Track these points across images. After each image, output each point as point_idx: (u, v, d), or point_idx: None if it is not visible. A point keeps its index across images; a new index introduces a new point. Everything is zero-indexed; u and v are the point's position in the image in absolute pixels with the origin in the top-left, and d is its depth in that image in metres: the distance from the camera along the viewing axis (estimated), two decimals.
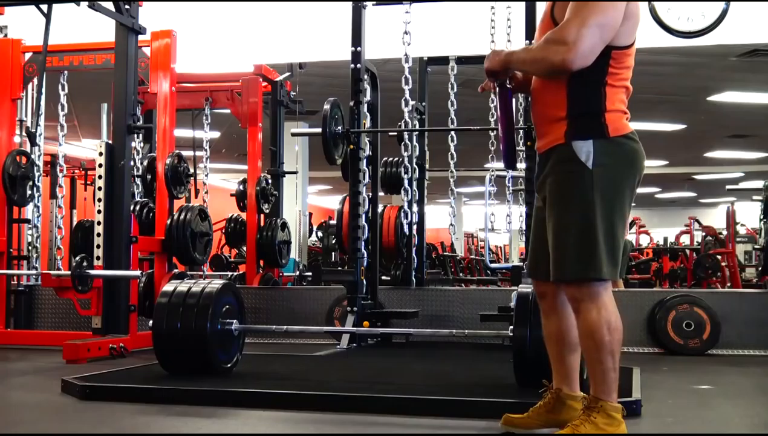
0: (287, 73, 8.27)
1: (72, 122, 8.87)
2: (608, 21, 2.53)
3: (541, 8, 5.60)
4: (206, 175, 7.61)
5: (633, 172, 2.65)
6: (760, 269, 9.82)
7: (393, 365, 4.81)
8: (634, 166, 2.65)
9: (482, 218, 7.33)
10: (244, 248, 8.17)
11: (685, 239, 13.88)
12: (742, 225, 14.70)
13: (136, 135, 6.18)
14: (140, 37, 5.83)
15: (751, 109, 12.07)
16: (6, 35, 6.86)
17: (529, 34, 5.52)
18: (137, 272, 5.64)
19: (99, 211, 5.57)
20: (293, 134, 6.60)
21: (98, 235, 5.56)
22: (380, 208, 6.65)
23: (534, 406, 2.89)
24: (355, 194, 5.73)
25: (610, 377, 2.60)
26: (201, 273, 7.37)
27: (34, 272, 6.65)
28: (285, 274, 8.42)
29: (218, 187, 13.13)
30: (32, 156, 6.51)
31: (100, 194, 5.59)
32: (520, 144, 5.54)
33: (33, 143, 6.41)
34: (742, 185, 18.97)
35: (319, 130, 5.63)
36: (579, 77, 2.57)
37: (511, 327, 3.79)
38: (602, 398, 2.60)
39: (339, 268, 9.39)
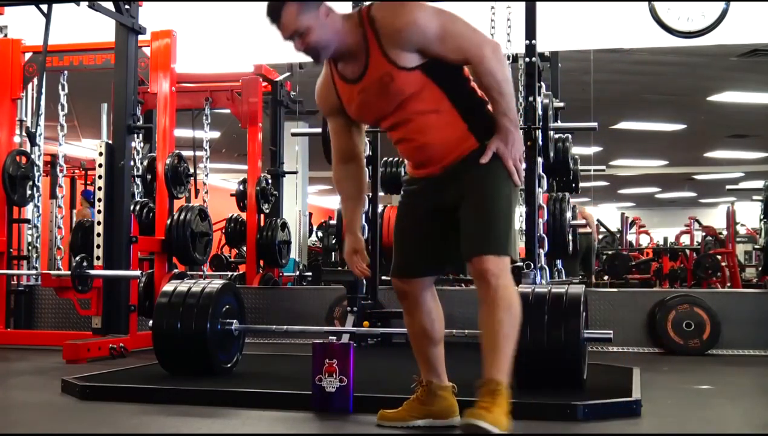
0: (287, 73, 8.27)
1: (72, 122, 8.87)
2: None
3: (541, 7, 5.60)
4: (206, 175, 7.60)
5: None
6: (760, 269, 9.84)
7: (393, 365, 4.80)
8: None
9: None
10: (244, 248, 8.17)
11: (685, 239, 13.87)
12: (742, 225, 14.70)
13: (136, 135, 6.18)
14: (140, 37, 5.83)
15: (751, 109, 12.08)
16: (6, 35, 6.86)
17: (529, 34, 5.51)
18: (137, 272, 5.64)
19: (99, 211, 5.57)
20: (293, 134, 6.59)
21: (98, 235, 5.56)
22: (380, 208, 6.64)
23: (407, 400, 3.04)
24: None
25: (510, 357, 2.71)
26: (201, 273, 7.37)
27: (34, 272, 6.65)
28: (285, 274, 8.41)
29: (218, 187, 13.12)
30: (32, 156, 6.50)
31: (100, 194, 5.59)
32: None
33: (33, 143, 6.40)
34: (742, 185, 18.96)
35: (319, 130, 5.62)
36: (454, 91, 2.76)
37: None
38: (501, 379, 2.66)
39: (339, 268, 9.37)
